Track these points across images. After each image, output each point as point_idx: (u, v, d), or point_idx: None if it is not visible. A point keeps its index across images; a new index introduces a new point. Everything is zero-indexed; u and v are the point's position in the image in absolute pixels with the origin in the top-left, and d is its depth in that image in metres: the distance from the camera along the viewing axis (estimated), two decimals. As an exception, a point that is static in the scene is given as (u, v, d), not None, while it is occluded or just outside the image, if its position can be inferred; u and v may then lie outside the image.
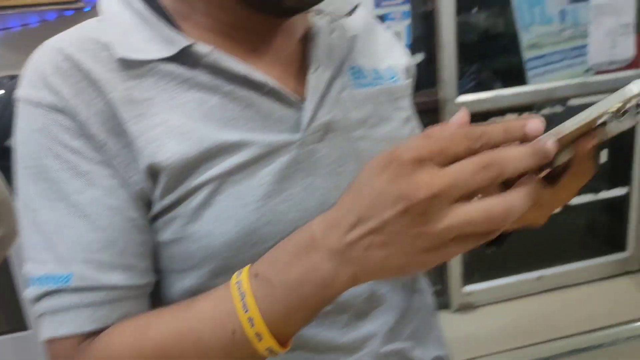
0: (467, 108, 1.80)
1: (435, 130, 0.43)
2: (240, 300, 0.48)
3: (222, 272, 0.56)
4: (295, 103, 0.59)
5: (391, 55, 0.73)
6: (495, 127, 0.41)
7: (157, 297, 0.60)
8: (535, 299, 2.30)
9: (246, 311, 0.47)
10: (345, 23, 0.67)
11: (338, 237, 0.44)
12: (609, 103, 0.40)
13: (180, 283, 0.58)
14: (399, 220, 0.40)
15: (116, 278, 0.54)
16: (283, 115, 0.59)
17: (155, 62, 0.56)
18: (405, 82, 0.72)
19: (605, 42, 2.16)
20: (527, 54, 2.15)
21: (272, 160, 0.57)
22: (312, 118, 0.59)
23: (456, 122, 0.44)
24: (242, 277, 0.49)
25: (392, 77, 0.70)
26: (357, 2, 0.70)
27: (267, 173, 0.56)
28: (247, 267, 0.50)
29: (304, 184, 0.58)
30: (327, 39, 0.64)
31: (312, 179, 0.59)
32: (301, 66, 0.63)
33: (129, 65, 0.56)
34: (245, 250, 0.56)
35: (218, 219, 0.55)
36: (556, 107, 2.26)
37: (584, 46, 2.16)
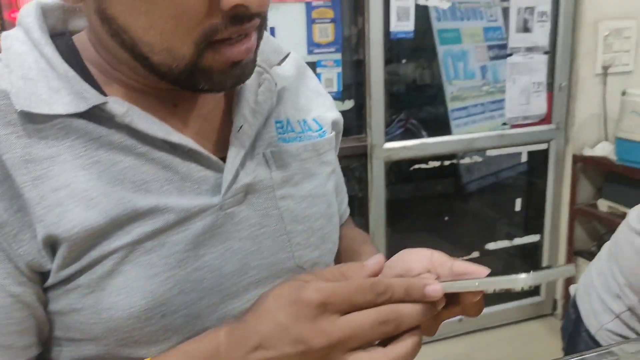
0: (393, 154, 1.87)
1: (350, 268, 0.47)
2: None
3: (127, 344, 0.52)
4: (215, 164, 0.56)
5: (319, 106, 0.71)
6: (398, 285, 0.44)
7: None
8: (457, 340, 2.36)
9: None
10: (275, 73, 0.64)
11: (240, 356, 0.45)
12: (499, 284, 0.45)
13: (78, 352, 0.53)
14: (296, 359, 0.43)
15: None
16: (203, 177, 0.55)
17: (63, 117, 0.50)
18: (331, 135, 0.70)
19: (520, 99, 2.33)
20: (451, 105, 2.27)
21: (187, 226, 0.53)
22: (233, 180, 0.56)
23: (370, 268, 0.48)
24: None
25: (319, 129, 0.68)
26: (287, 52, 0.66)
27: (181, 240, 0.53)
28: None
29: (221, 249, 0.55)
30: (254, 94, 0.60)
31: (231, 243, 0.56)
32: (225, 122, 0.60)
33: (31, 119, 0.50)
34: (154, 322, 0.52)
35: (124, 291, 0.50)
36: (475, 157, 2.40)
37: (501, 100, 2.32)
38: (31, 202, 0.48)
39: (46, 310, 0.52)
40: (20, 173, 0.48)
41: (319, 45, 2.03)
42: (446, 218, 2.53)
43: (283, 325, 0.43)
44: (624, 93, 2.18)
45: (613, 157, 2.20)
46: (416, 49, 2.31)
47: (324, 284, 0.43)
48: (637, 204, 0.91)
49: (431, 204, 2.57)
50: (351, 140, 2.15)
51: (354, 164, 2.27)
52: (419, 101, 2.36)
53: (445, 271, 0.55)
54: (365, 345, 0.43)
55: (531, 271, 0.44)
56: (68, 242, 0.49)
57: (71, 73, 0.52)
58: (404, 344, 0.44)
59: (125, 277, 0.50)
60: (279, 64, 0.65)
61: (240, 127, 0.58)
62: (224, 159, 0.56)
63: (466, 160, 2.40)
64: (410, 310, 0.44)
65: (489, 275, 0.49)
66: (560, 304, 2.55)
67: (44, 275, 0.50)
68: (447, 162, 2.32)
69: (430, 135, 2.28)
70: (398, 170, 2.34)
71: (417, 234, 2.55)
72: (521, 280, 0.43)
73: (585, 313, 0.98)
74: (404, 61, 2.34)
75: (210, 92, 0.56)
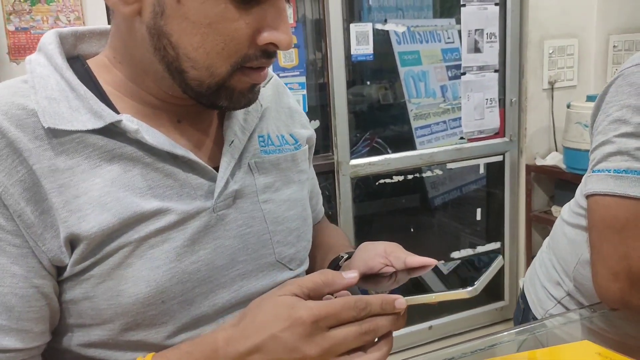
0: (359, 170, 1.99)
1: (331, 277, 0.56)
2: None
3: (130, 328, 0.60)
4: (209, 173, 0.64)
5: (295, 123, 0.81)
6: (375, 302, 0.53)
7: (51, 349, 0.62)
8: (427, 348, 2.44)
9: None
10: (260, 93, 0.71)
11: (238, 356, 0.53)
12: (452, 296, 0.56)
13: (86, 337, 0.61)
14: None
15: (10, 341, 0.55)
16: (199, 184, 0.64)
17: (82, 132, 0.58)
18: (305, 148, 0.80)
19: (475, 114, 2.47)
20: (414, 124, 2.40)
21: (185, 225, 0.61)
22: (224, 187, 0.65)
23: (348, 281, 0.57)
24: None
25: (295, 143, 0.78)
26: (272, 75, 0.77)
27: (180, 237, 0.61)
28: (150, 355, 0.57)
29: (213, 246, 0.64)
30: (243, 113, 0.70)
31: (222, 241, 0.65)
32: (218, 137, 0.69)
33: (55, 134, 0.57)
34: (155, 307, 0.60)
35: (131, 280, 0.58)
36: (436, 171, 2.52)
37: (460, 117, 2.45)
38: (57, 206, 0.56)
39: (60, 301, 0.59)
40: (48, 181, 0.56)
41: (284, 69, 2.14)
42: (412, 230, 2.64)
43: (279, 337, 0.51)
44: (568, 106, 2.34)
45: (562, 165, 2.35)
46: (379, 71, 2.43)
47: (314, 303, 0.52)
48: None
49: (398, 217, 2.67)
50: (319, 158, 2.24)
51: (322, 182, 2.37)
52: (384, 121, 2.47)
53: (399, 264, 0.66)
54: (350, 351, 0.53)
55: (476, 281, 0.54)
56: (87, 240, 0.57)
57: (89, 94, 0.60)
58: (380, 347, 0.54)
59: (132, 268, 0.59)
60: (264, 86, 0.75)
61: (232, 142, 0.67)
62: (216, 169, 0.65)
63: (428, 174, 2.52)
64: (384, 322, 0.53)
65: (437, 270, 0.60)
66: (523, 307, 2.66)
67: (59, 270, 0.58)
68: (410, 177, 2.43)
69: (398, 152, 2.38)
70: (365, 186, 2.44)
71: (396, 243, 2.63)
72: (471, 290, 0.54)
73: (531, 302, 1.09)
74: (368, 83, 2.46)
75: (224, 109, 0.66)
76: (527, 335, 0.81)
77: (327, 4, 2.11)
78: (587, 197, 0.84)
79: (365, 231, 2.47)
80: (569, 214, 1.00)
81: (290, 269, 0.72)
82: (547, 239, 1.10)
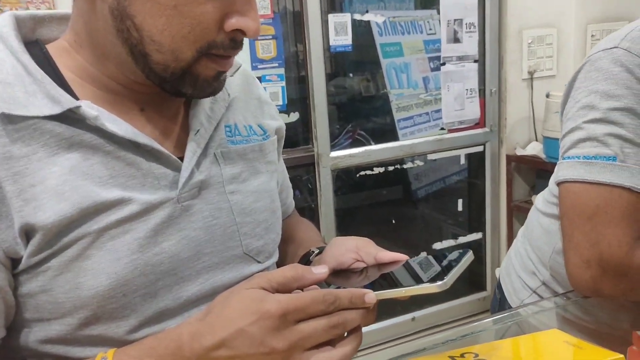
0: (340, 162, 1.96)
1: (300, 272, 0.54)
2: None
3: (90, 322, 0.58)
4: (174, 163, 0.63)
5: (264, 114, 0.79)
6: (344, 296, 0.52)
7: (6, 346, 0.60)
8: (409, 338, 2.44)
9: None
10: (228, 83, 0.71)
11: (203, 352, 0.51)
12: (422, 291, 0.54)
13: (44, 332, 0.59)
14: (259, 358, 0.50)
15: None
16: (162, 174, 0.62)
17: (39, 118, 0.56)
18: (274, 138, 0.78)
19: (455, 105, 2.47)
20: (397, 116, 2.39)
21: (148, 216, 0.60)
22: (189, 177, 0.63)
23: (317, 276, 0.55)
24: None
25: (263, 134, 0.76)
26: (240, 65, 0.74)
27: (142, 229, 0.59)
28: (112, 351, 0.54)
29: (178, 237, 0.62)
30: (209, 102, 0.68)
31: (187, 232, 0.63)
32: (183, 125, 0.68)
33: (10, 120, 0.55)
34: (116, 300, 0.58)
35: (90, 272, 0.56)
36: (417, 162, 2.52)
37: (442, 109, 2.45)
38: (10, 195, 0.54)
39: (16, 294, 0.57)
40: (2, 169, 0.54)
41: (262, 61, 2.12)
42: (394, 222, 2.64)
43: (246, 332, 0.50)
44: (548, 95, 2.35)
45: (542, 155, 2.36)
46: (361, 63, 2.42)
47: (282, 296, 0.51)
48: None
49: (379, 210, 2.67)
50: (299, 150, 2.23)
51: (303, 174, 2.35)
52: (366, 113, 2.46)
53: (370, 260, 0.65)
54: (319, 345, 0.51)
55: (446, 276, 0.53)
56: (43, 231, 0.55)
57: (46, 79, 0.58)
58: (350, 342, 0.53)
59: (91, 260, 0.57)
60: (232, 75, 0.74)
61: (197, 131, 0.66)
62: (181, 158, 0.64)
63: (410, 166, 2.52)
64: (353, 316, 0.52)
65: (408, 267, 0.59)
66: (505, 297, 2.68)
67: (15, 262, 0.56)
68: (391, 168, 2.43)
69: (378, 144, 2.37)
70: (346, 178, 2.43)
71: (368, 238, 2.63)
72: (441, 284, 0.53)
73: (507, 292, 1.08)
74: (350, 75, 2.44)
75: (188, 97, 0.64)
76: (501, 324, 0.81)
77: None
78: (558, 184, 0.84)
79: (346, 224, 2.46)
80: (543, 204, 1.00)
81: (259, 262, 0.71)
82: (522, 228, 1.10)
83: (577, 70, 0.86)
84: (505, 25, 2.43)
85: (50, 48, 0.63)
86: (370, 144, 2.39)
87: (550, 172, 0.95)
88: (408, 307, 2.52)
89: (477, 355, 0.54)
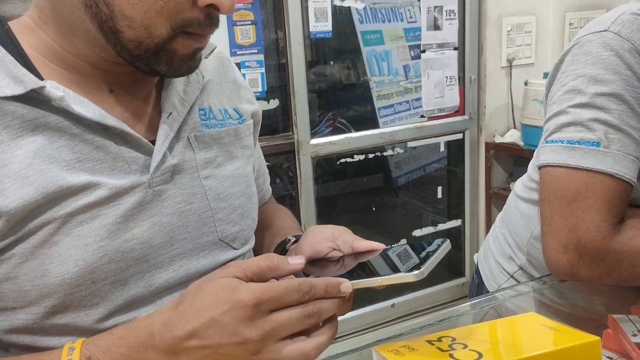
0: (320, 149, 1.95)
1: (276, 262, 0.52)
2: None
3: (58, 311, 0.56)
4: (145, 146, 0.61)
5: (240, 97, 0.77)
6: (319, 285, 0.51)
7: None
8: (390, 324, 2.47)
9: None
10: (202, 65, 0.69)
11: (175, 341, 0.50)
12: (399, 280, 0.53)
13: (9, 322, 0.57)
14: (232, 348, 0.49)
15: None
16: (133, 157, 0.60)
17: (0, 99, 0.54)
18: (250, 122, 0.76)
19: (435, 92, 2.47)
20: (378, 104, 2.38)
21: (118, 201, 0.58)
22: (161, 161, 0.61)
23: (293, 266, 0.54)
24: (74, 356, 0.52)
25: (239, 118, 0.74)
26: (214, 46, 0.72)
27: (112, 214, 0.57)
28: (80, 341, 0.53)
29: (149, 223, 0.60)
30: (182, 84, 0.67)
31: (159, 218, 0.61)
32: (155, 108, 0.66)
33: None
34: (84, 287, 0.56)
35: (57, 259, 0.55)
36: (397, 149, 2.52)
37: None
38: None
39: None
40: None
41: (241, 47, 2.09)
42: (374, 209, 2.64)
43: (219, 321, 0.48)
44: (526, 83, 2.36)
45: (520, 143, 2.38)
46: (342, 50, 2.40)
47: (256, 285, 0.49)
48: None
49: (360, 197, 2.67)
50: (279, 138, 2.21)
51: (283, 162, 2.34)
52: (347, 100, 2.45)
53: (347, 249, 0.64)
54: (293, 335, 0.50)
55: (423, 265, 0.52)
56: (6, 217, 0.52)
57: (8, 57, 0.55)
58: (325, 332, 0.52)
59: (58, 247, 0.55)
60: (207, 57, 0.72)
61: (170, 114, 0.64)
62: (153, 142, 0.62)
63: (390, 153, 2.52)
64: (329, 305, 0.51)
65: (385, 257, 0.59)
66: (483, 283, 2.72)
67: None
68: (371, 156, 2.43)
69: (358, 132, 2.37)
70: (327, 165, 2.43)
71: (348, 227, 2.64)
72: (417, 274, 0.52)
73: (485, 277, 1.09)
74: (331, 62, 2.43)
75: (162, 76, 0.62)
76: (479, 309, 0.81)
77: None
78: (540, 168, 0.83)
79: (327, 211, 2.46)
80: (522, 189, 1.00)
81: (234, 248, 0.69)
82: (500, 214, 1.11)
83: (564, 52, 0.85)
84: (485, 13, 2.43)
85: (13, 25, 0.60)
86: (350, 132, 2.39)
87: (528, 160, 0.95)
88: (388, 294, 2.53)
89: (454, 339, 0.54)
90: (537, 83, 2.31)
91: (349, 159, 2.38)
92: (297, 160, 2.24)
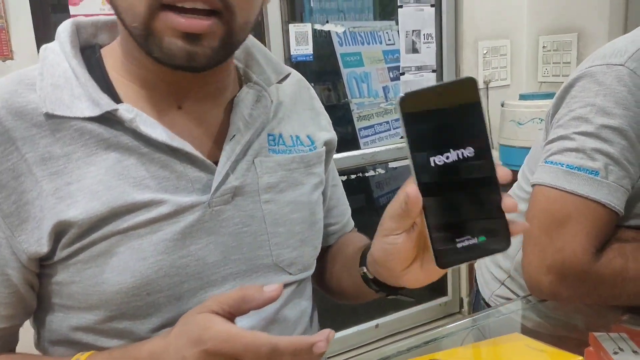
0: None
1: (251, 293, 0.51)
2: None
3: (115, 317, 0.60)
4: (208, 167, 0.63)
5: (315, 124, 0.77)
6: (285, 348, 0.48)
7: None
8: (373, 346, 2.46)
9: None
10: (275, 90, 0.72)
11: None
12: None
13: (76, 320, 0.62)
14: None
15: None
16: (196, 177, 0.62)
17: (80, 119, 0.59)
18: (321, 150, 0.75)
19: (415, 113, 2.51)
20: (358, 125, 2.41)
21: (178, 218, 0.60)
22: (222, 182, 0.63)
23: (268, 295, 0.52)
24: None
25: (310, 145, 0.74)
26: (288, 72, 0.73)
27: (171, 230, 0.60)
28: (87, 354, 0.57)
29: (206, 242, 0.62)
30: (249, 108, 0.67)
31: (215, 237, 0.63)
32: (222, 130, 0.67)
33: (54, 121, 0.58)
34: (140, 298, 0.59)
35: (115, 269, 0.58)
36: (379, 169, 2.55)
37: (399, 117, 2.48)
38: (46, 194, 0.57)
39: (51, 282, 0.61)
40: (40, 169, 0.57)
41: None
42: (356, 230, 2.64)
43: (183, 356, 0.50)
44: (502, 104, 2.42)
45: (498, 162, 2.43)
46: (322, 72, 2.43)
47: (221, 333, 0.48)
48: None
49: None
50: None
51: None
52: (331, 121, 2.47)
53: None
54: None
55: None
56: (75, 227, 0.57)
57: (90, 82, 0.60)
58: None
59: (118, 257, 0.58)
60: (280, 82, 0.73)
61: (233, 136, 0.65)
62: (217, 163, 0.64)
63: (371, 174, 2.54)
64: None
65: None
66: (465, 301, 2.73)
67: (44, 257, 0.59)
68: (353, 176, 2.45)
69: (342, 152, 2.38)
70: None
71: (331, 247, 2.65)
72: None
73: (480, 284, 1.11)
74: (312, 84, 2.44)
75: (168, 66, 0.58)
76: (463, 330, 0.82)
77: (265, 5, 2.09)
78: (533, 185, 0.84)
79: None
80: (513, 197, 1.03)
81: (290, 273, 0.70)
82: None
83: (573, 78, 0.85)
84: (461, 36, 2.49)
85: (104, 51, 0.66)
86: (331, 152, 2.40)
87: (507, 179, 0.97)
88: (372, 314, 2.53)
89: (441, 362, 0.55)
90: (513, 104, 2.36)
91: (331, 180, 2.39)
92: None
